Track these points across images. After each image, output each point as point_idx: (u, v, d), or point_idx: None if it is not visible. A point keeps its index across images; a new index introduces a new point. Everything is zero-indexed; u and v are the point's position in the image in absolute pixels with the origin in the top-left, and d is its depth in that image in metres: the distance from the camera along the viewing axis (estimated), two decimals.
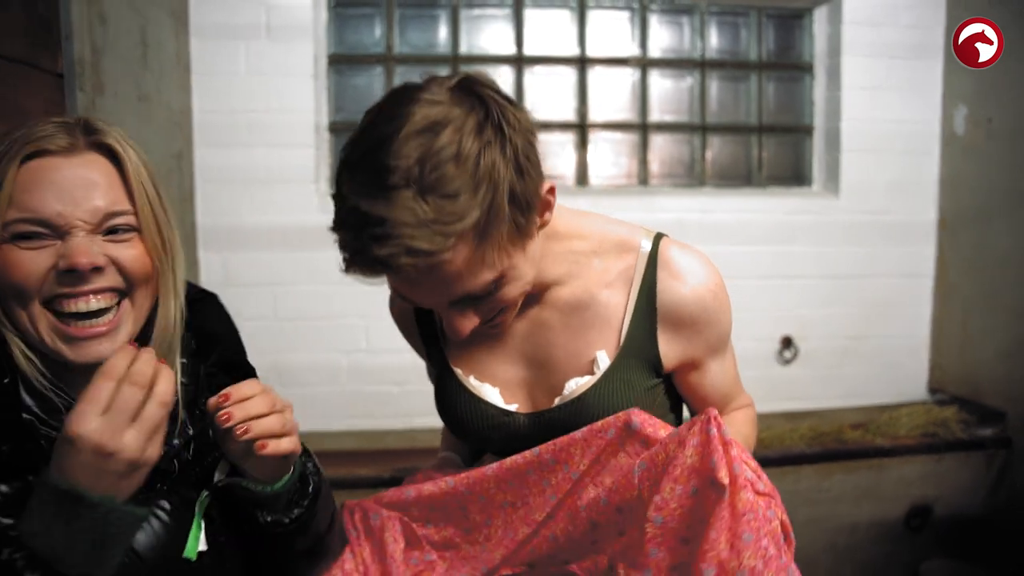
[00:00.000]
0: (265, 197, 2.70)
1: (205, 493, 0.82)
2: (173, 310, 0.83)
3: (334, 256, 2.89)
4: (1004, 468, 2.70)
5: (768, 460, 2.55)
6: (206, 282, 2.71)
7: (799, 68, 3.02)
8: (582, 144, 2.93)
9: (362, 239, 0.76)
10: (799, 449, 2.62)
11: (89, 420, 0.64)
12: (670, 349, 0.98)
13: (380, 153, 0.75)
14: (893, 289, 2.99)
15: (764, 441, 2.65)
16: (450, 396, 1.03)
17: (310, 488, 0.86)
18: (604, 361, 0.97)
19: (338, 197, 0.81)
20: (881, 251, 2.95)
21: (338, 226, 0.80)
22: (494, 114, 0.78)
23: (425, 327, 1.07)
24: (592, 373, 0.97)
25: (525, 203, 0.80)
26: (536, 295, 0.96)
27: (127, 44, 2.13)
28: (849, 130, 2.89)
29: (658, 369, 0.99)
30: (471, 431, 1.03)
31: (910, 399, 2.98)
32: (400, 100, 0.79)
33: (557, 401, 0.98)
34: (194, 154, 2.64)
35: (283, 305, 2.74)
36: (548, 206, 0.86)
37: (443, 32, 2.87)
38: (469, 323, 0.87)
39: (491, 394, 1.01)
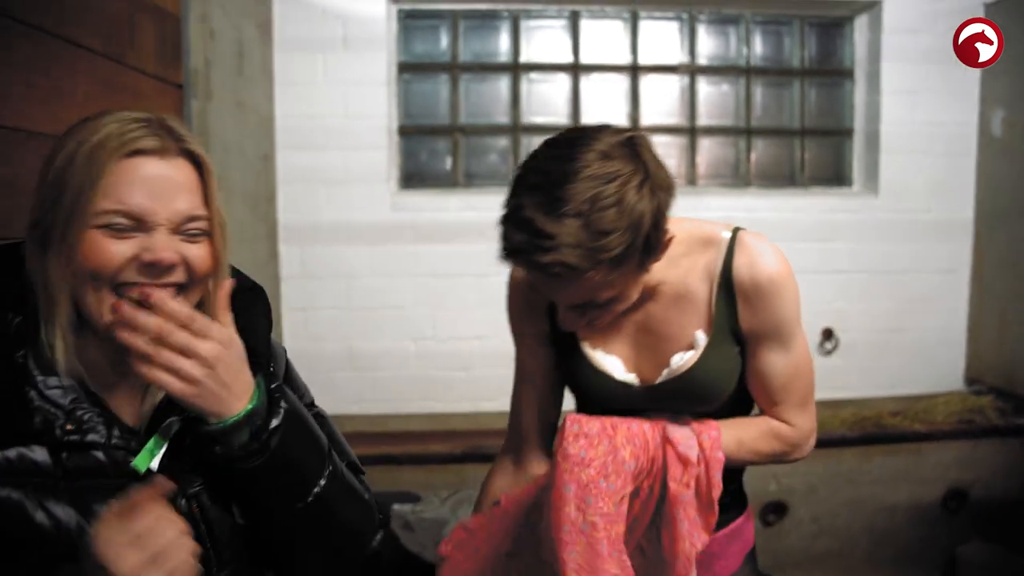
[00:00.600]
0: (340, 196, 2.92)
1: (174, 418, 0.85)
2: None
3: (403, 251, 3.12)
4: None
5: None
6: (286, 274, 2.93)
7: (840, 74, 3.17)
8: None
9: (529, 245, 0.95)
10: (840, 433, 2.77)
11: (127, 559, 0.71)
12: (743, 320, 1.16)
13: (560, 185, 0.94)
14: (930, 284, 3.13)
15: None
16: (577, 365, 1.22)
17: (276, 420, 0.85)
18: (701, 339, 1.15)
19: (514, 205, 0.98)
20: (918, 248, 3.10)
21: (509, 225, 0.99)
22: (650, 176, 0.99)
23: (553, 309, 1.26)
24: (693, 349, 1.15)
25: (653, 247, 1.02)
26: (644, 291, 1.16)
27: (228, 56, 2.36)
28: (888, 132, 3.04)
29: (740, 339, 1.17)
30: (594, 397, 1.22)
31: (947, 390, 3.12)
32: (578, 143, 0.99)
33: (665, 373, 1.16)
34: (276, 156, 2.86)
35: (356, 295, 2.96)
36: (665, 249, 1.07)
37: (504, 41, 3.07)
38: (578, 321, 1.09)
39: (613, 365, 1.20)
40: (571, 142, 1.00)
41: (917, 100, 3.02)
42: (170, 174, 0.82)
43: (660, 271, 1.13)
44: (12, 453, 0.76)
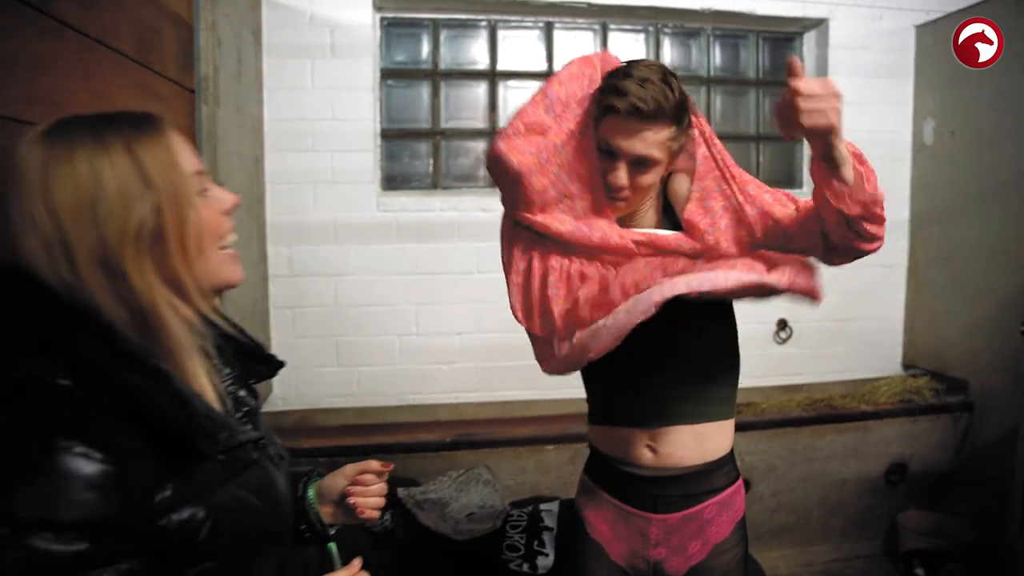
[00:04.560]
0: (327, 197, 3.02)
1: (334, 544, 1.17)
2: None
3: (388, 250, 3.25)
4: (967, 429, 3.15)
5: (772, 423, 2.97)
6: (274, 273, 3.02)
7: None
8: None
9: (641, 87, 1.23)
10: (797, 414, 3.03)
11: None
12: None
13: (654, 67, 1.27)
14: (873, 278, 3.43)
15: (766, 409, 3.06)
16: None
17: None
18: None
19: (621, 75, 1.26)
20: None
21: (620, 81, 1.25)
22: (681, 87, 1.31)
23: None
24: None
25: (681, 147, 1.32)
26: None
27: (230, 62, 2.45)
28: None
29: None
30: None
31: (888, 373, 3.43)
32: (637, 63, 1.30)
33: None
34: (265, 158, 2.95)
35: (343, 293, 3.06)
36: (672, 168, 1.36)
37: (482, 49, 3.23)
38: (625, 179, 1.30)
39: None
40: (632, 63, 1.30)
41: (860, 111, 3.31)
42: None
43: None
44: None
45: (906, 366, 3.50)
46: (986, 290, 3.05)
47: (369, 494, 1.12)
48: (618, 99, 1.24)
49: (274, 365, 1.06)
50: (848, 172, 1.14)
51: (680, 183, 1.40)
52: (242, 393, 0.99)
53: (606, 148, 1.29)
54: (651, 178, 1.31)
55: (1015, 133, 2.90)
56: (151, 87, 1.82)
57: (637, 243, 1.32)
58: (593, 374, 1.49)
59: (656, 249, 1.32)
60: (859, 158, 1.17)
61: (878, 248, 1.26)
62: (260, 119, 2.89)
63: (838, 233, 1.21)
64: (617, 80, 1.26)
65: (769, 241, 1.33)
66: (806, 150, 3.47)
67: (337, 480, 1.14)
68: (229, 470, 0.86)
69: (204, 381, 0.88)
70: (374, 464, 1.14)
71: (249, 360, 1.03)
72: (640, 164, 1.28)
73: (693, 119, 1.34)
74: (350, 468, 1.14)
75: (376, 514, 1.13)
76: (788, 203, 1.35)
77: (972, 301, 3.13)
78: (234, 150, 2.52)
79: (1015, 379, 2.78)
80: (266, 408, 2.98)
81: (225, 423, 0.85)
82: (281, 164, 2.97)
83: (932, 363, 3.36)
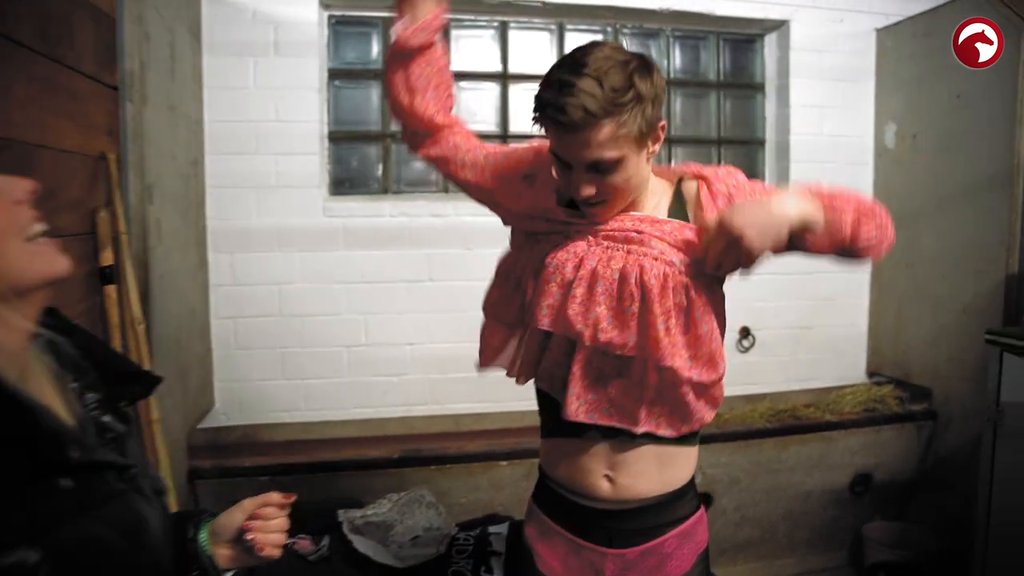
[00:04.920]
0: (271, 201, 2.88)
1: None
2: None
3: (335, 257, 3.11)
4: (931, 438, 3.10)
5: (735, 435, 2.88)
6: (215, 282, 2.87)
7: (752, 87, 3.38)
8: None
9: (559, 95, 1.12)
10: (760, 425, 2.95)
11: None
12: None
13: (581, 59, 1.14)
14: (836, 284, 3.37)
15: (729, 420, 2.98)
16: None
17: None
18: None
19: (545, 82, 1.16)
20: None
21: (541, 87, 1.16)
22: (652, 72, 1.17)
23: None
24: None
25: (650, 122, 1.17)
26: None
27: (161, 59, 2.31)
28: (797, 143, 3.26)
29: None
30: None
31: (852, 382, 3.36)
32: (594, 44, 1.18)
33: None
34: (206, 161, 2.80)
35: (288, 303, 2.92)
36: (658, 139, 1.22)
37: None
38: (589, 189, 1.19)
39: None
40: (587, 45, 1.19)
41: (822, 114, 3.26)
42: None
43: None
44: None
45: (871, 374, 3.44)
46: (950, 296, 3.00)
47: (269, 529, 1.00)
48: (543, 115, 1.16)
49: (149, 382, 0.93)
50: (816, 226, 1.18)
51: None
52: (107, 419, 0.86)
53: (561, 160, 1.20)
54: (620, 177, 1.19)
55: (975, 136, 2.86)
56: (59, 82, 1.68)
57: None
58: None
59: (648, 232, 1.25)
60: (828, 201, 1.20)
61: (888, 248, 1.28)
62: (199, 120, 2.75)
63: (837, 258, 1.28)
64: (541, 92, 1.16)
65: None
66: (767, 153, 3.41)
67: (234, 516, 1.01)
68: (82, 501, 0.73)
69: (50, 401, 0.75)
70: (275, 497, 1.02)
71: (117, 380, 0.90)
72: (597, 169, 1.17)
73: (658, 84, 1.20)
74: (248, 503, 1.02)
75: (278, 552, 1.01)
76: None
77: (936, 307, 3.08)
78: (168, 151, 2.38)
79: (979, 387, 2.73)
80: (207, 424, 2.84)
81: (77, 439, 0.73)
82: (222, 167, 2.82)
83: (896, 371, 3.30)
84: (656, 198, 1.31)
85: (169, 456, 2.06)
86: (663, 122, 1.21)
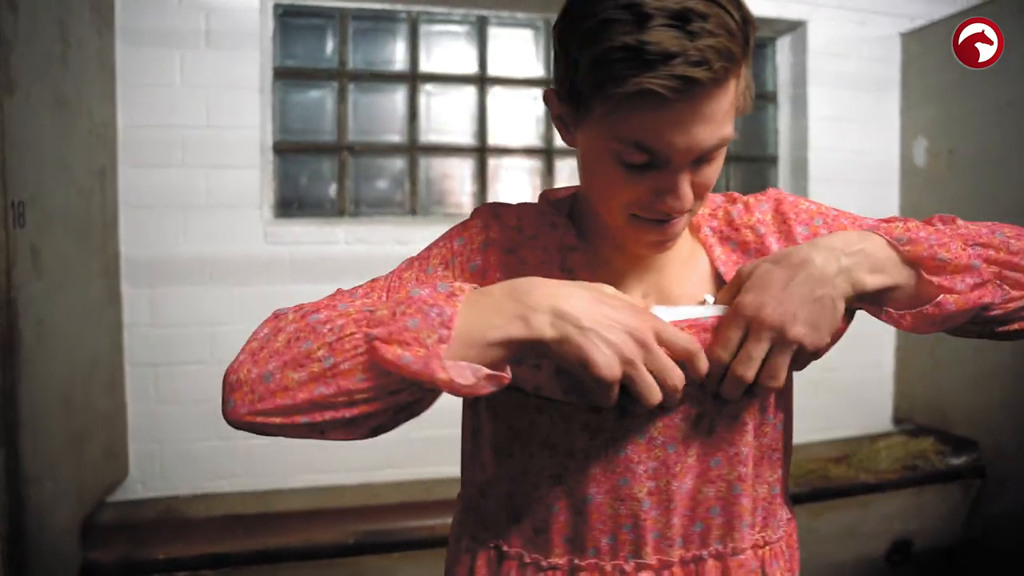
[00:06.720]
0: (201, 225, 2.38)
1: None
2: None
3: (279, 291, 2.57)
4: (978, 498, 2.68)
5: None
6: (129, 321, 2.35)
7: (763, 97, 2.99)
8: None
9: (681, 40, 0.65)
10: (792, 491, 2.50)
11: None
12: None
13: None
14: (857, 319, 2.95)
15: None
16: None
17: None
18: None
19: (639, 18, 0.66)
20: None
21: (640, 37, 0.66)
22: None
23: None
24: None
25: (750, 85, 0.76)
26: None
27: (43, 39, 1.80)
28: (815, 160, 2.87)
29: None
30: None
31: (877, 430, 2.95)
32: None
33: None
34: (118, 173, 2.30)
35: (222, 347, 2.40)
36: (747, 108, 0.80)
37: (401, 48, 2.66)
38: (689, 193, 0.75)
39: None
40: None
41: (841, 128, 2.87)
42: None
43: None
44: None
45: (897, 420, 3.03)
46: None
47: None
48: (656, 75, 0.65)
49: None
50: (899, 299, 0.77)
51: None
52: None
53: (642, 155, 0.71)
54: (718, 168, 0.76)
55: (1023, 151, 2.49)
56: None
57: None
58: None
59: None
60: (925, 263, 0.75)
61: None
62: (109, 122, 2.24)
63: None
64: (640, 35, 0.65)
65: None
66: (781, 171, 3.01)
67: None
68: None
69: None
70: None
71: None
72: (704, 159, 0.73)
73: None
74: None
75: None
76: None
77: (978, 346, 2.68)
78: (58, 158, 1.87)
79: None
80: (120, 496, 2.31)
81: None
82: (139, 181, 2.32)
83: (929, 417, 2.89)
84: (687, 245, 0.89)
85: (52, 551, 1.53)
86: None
